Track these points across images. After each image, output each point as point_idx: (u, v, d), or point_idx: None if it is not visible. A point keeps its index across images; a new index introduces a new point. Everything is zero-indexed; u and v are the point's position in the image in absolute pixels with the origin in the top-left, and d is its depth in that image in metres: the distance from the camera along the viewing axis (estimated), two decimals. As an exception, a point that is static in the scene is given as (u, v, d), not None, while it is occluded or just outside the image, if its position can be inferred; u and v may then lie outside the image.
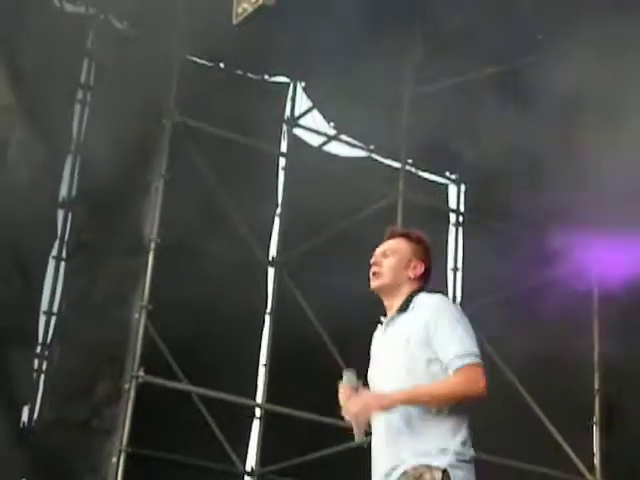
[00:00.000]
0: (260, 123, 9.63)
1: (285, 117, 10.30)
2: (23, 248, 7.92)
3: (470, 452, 3.46)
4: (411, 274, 3.65)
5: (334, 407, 8.63)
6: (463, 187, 11.16)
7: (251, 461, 9.18)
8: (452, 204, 11.07)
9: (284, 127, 10.26)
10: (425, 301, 3.58)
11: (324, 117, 10.52)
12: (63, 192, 8.80)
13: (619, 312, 8.36)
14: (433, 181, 11.14)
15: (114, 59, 8.84)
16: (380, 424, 3.49)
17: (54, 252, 8.63)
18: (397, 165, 10.40)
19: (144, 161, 8.35)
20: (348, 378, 3.60)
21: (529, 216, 9.28)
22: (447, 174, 11.19)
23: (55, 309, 8.56)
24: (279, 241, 9.89)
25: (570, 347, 8.74)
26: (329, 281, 9.61)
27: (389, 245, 3.73)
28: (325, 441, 8.92)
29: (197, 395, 8.43)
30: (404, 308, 3.61)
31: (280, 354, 9.48)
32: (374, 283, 3.68)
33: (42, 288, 8.47)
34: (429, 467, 3.36)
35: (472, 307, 10.20)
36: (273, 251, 9.88)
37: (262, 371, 9.45)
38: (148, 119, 8.31)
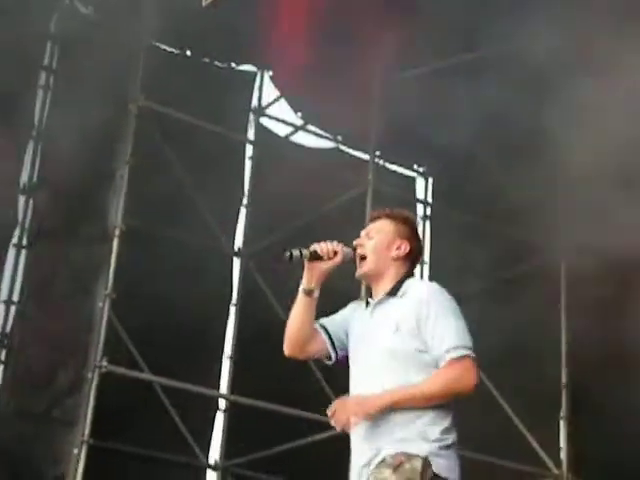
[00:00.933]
0: (227, 112, 9.51)
1: (252, 106, 10.18)
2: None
3: (452, 437, 3.35)
4: (394, 254, 3.55)
5: (299, 399, 8.59)
6: (431, 180, 11.09)
7: (214, 454, 9.08)
8: (420, 196, 11.00)
9: (251, 116, 10.14)
10: (417, 288, 3.49)
11: (291, 107, 10.42)
12: (24, 178, 8.62)
13: (588, 303, 8.30)
14: (401, 174, 11.06)
15: (78, 43, 8.64)
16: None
17: (14, 240, 8.44)
18: (365, 157, 10.34)
19: (109, 147, 8.19)
20: (348, 255, 3.58)
21: (498, 208, 9.24)
22: (415, 167, 11.13)
23: (15, 298, 8.37)
24: (245, 231, 9.78)
25: (538, 340, 8.71)
26: (295, 272, 9.50)
27: (372, 226, 3.64)
28: (289, 434, 8.85)
29: (160, 387, 8.30)
30: (394, 292, 3.50)
31: (245, 346, 9.37)
32: (359, 271, 3.60)
33: (1, 277, 8.27)
34: (408, 455, 3.25)
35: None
36: (239, 241, 9.77)
37: (227, 363, 9.33)
38: (113, 104, 8.15)
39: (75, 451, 7.08)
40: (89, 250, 7.93)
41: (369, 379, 3.42)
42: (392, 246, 3.56)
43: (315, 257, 3.63)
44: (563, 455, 8.64)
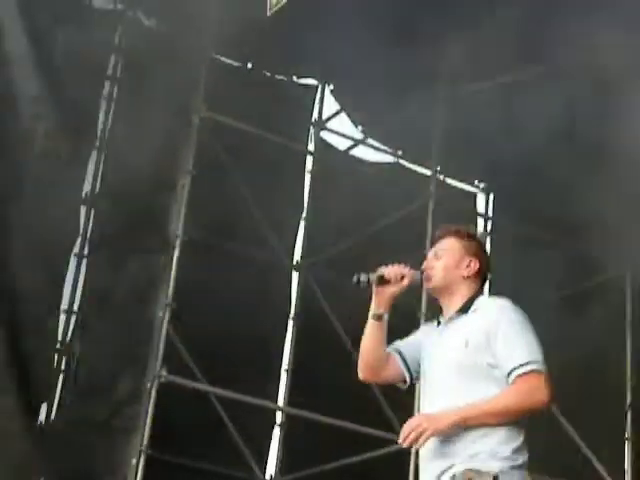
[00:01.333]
0: (287, 125, 9.50)
1: (312, 120, 10.16)
2: (47, 244, 7.77)
3: (522, 457, 3.27)
4: (465, 273, 3.52)
5: (355, 415, 8.50)
6: (492, 196, 10.97)
7: (270, 469, 9.02)
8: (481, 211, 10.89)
9: (311, 130, 10.12)
10: (489, 304, 3.45)
11: (352, 121, 10.38)
12: (86, 188, 8.67)
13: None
14: (462, 189, 10.96)
15: (141, 55, 8.69)
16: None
17: (76, 249, 8.49)
18: (425, 171, 10.26)
19: (170, 158, 8.20)
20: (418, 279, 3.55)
21: (562, 223, 9.11)
22: (476, 182, 11.01)
23: (76, 307, 8.41)
24: (304, 245, 9.74)
25: (602, 358, 8.53)
26: (355, 288, 9.43)
27: (440, 245, 3.61)
28: (346, 450, 8.76)
29: (217, 399, 8.26)
30: (465, 309, 3.47)
31: (303, 359, 9.31)
32: (427, 285, 3.57)
33: (63, 285, 8.32)
34: (479, 472, 3.18)
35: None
36: (298, 255, 9.73)
37: (284, 376, 9.28)
38: (175, 115, 8.17)
39: (133, 461, 7.06)
40: (149, 260, 7.94)
41: (440, 396, 3.39)
42: (462, 264, 3.53)
43: (382, 282, 3.60)
44: (628, 478, 8.44)
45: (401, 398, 8.77)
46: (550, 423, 8.82)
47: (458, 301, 3.49)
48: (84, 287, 8.33)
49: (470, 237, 3.62)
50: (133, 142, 8.04)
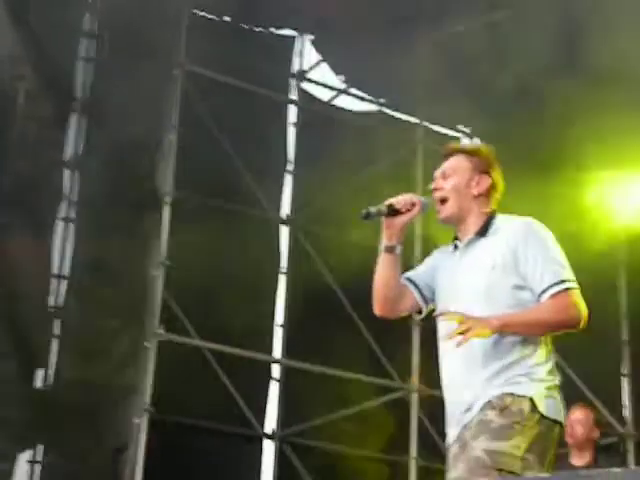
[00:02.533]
0: (268, 77, 9.36)
1: (293, 71, 10.04)
2: (32, 208, 7.64)
3: (557, 379, 3.20)
4: (475, 191, 3.33)
5: (352, 365, 8.46)
6: (476, 140, 10.90)
7: (271, 424, 9.01)
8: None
9: (293, 81, 10.00)
10: (511, 224, 3.28)
11: (333, 70, 10.26)
12: (69, 152, 8.53)
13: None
14: (446, 134, 10.88)
15: (120, 12, 8.51)
16: (458, 353, 3.19)
17: (62, 214, 8.37)
18: (409, 119, 10.19)
19: (155, 114, 8.06)
20: (426, 206, 3.40)
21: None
22: (460, 127, 10.94)
23: (65, 271, 8.32)
24: (292, 198, 9.66)
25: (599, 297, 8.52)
26: (345, 237, 9.40)
27: (448, 164, 3.40)
28: (344, 401, 8.77)
29: (215, 356, 8.23)
30: (484, 231, 3.30)
31: (295, 313, 9.28)
32: (440, 216, 3.38)
33: (52, 250, 8.21)
34: (514, 396, 3.08)
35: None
36: (286, 209, 9.65)
37: (279, 330, 9.25)
38: (157, 71, 8.02)
39: (137, 421, 7.01)
40: (140, 218, 7.83)
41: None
42: (472, 183, 3.33)
43: (393, 212, 3.42)
44: (627, 413, 8.47)
45: (396, 346, 8.82)
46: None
47: (474, 223, 3.32)
48: (75, 250, 8.23)
49: (479, 153, 3.41)
50: (116, 101, 7.90)
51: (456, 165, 3.39)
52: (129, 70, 7.79)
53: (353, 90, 10.35)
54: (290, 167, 9.73)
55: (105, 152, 8.13)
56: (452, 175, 3.38)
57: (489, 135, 10.57)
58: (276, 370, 9.10)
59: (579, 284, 3.19)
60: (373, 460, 8.83)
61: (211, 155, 8.53)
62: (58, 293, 8.17)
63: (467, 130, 10.92)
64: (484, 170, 3.37)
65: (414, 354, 8.10)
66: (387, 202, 3.43)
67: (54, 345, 7.90)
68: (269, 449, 8.98)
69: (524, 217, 3.33)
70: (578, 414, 5.72)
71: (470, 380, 3.19)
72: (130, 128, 7.73)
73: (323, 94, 10.28)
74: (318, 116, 9.85)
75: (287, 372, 8.99)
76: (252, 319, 8.92)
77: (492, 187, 3.37)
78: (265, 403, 9.06)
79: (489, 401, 3.11)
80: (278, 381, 9.05)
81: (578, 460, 5.64)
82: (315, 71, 10.21)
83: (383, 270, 3.46)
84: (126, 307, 7.58)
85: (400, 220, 3.40)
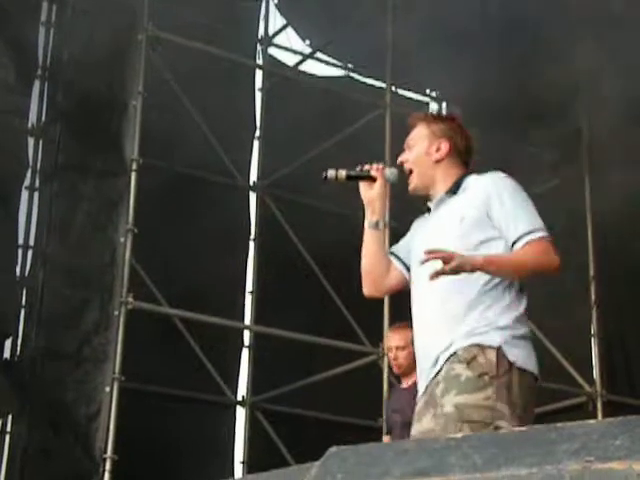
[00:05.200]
0: (234, 43, 9.26)
1: (259, 36, 9.94)
2: (-1, 178, 7.54)
3: (525, 327, 3.17)
4: (435, 157, 3.33)
5: (324, 330, 8.45)
6: (444, 104, 10.89)
7: (242, 390, 9.01)
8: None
9: (258, 47, 9.91)
10: (480, 179, 3.28)
11: (299, 35, 10.19)
12: (32, 119, 8.41)
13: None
14: (413, 99, 10.86)
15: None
16: (426, 304, 3.21)
17: (26, 182, 8.26)
18: (376, 83, 10.15)
19: (119, 79, 7.95)
20: (391, 174, 3.38)
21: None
22: (427, 91, 10.92)
23: (31, 241, 8.23)
24: (259, 164, 9.60)
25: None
26: (314, 203, 9.38)
27: (410, 136, 3.42)
28: (316, 366, 8.78)
29: (185, 324, 8.20)
30: (454, 190, 3.30)
31: (265, 280, 9.26)
32: (410, 187, 3.40)
33: (16, 221, 8.11)
34: (481, 347, 3.06)
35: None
36: (254, 175, 9.60)
37: (249, 297, 9.22)
38: (120, 35, 7.91)
39: (107, 389, 6.96)
40: (106, 184, 7.74)
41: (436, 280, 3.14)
42: (430, 150, 3.34)
43: (351, 178, 3.41)
44: (596, 373, 8.54)
45: (367, 311, 8.83)
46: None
47: (442, 186, 3.32)
48: (40, 219, 8.14)
49: (438, 119, 3.44)
50: (80, 67, 7.79)
51: (416, 135, 3.40)
52: (92, 35, 7.68)
53: (320, 55, 10.30)
54: (257, 133, 9.67)
55: (69, 119, 8.02)
56: (414, 146, 3.39)
57: (459, 99, 10.61)
58: (246, 337, 9.09)
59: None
60: (345, 425, 8.86)
61: (177, 121, 8.46)
62: (24, 263, 8.10)
63: (435, 94, 10.91)
64: (443, 135, 3.36)
65: (385, 319, 8.10)
66: (347, 169, 3.43)
67: (21, 315, 7.83)
68: (241, 416, 8.99)
69: (493, 172, 3.32)
70: (395, 339, 5.20)
71: (436, 331, 3.17)
72: (94, 94, 7.63)
73: (290, 59, 10.22)
74: (285, 81, 9.78)
75: (257, 338, 8.98)
76: (221, 286, 8.89)
77: (454, 150, 3.36)
78: (236, 370, 9.06)
79: (455, 353, 3.09)
80: (248, 347, 9.03)
81: (405, 382, 5.16)
82: (281, 36, 10.15)
83: (369, 248, 3.45)
84: (94, 275, 7.51)
85: (375, 193, 3.39)
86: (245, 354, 9.05)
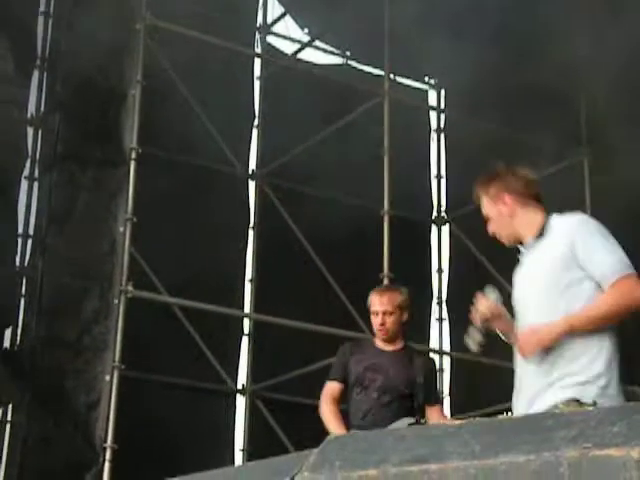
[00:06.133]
0: (233, 32, 9.25)
1: (257, 25, 9.93)
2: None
3: (612, 373, 3.29)
4: (506, 213, 3.53)
5: (323, 318, 8.45)
6: (443, 92, 10.88)
7: (242, 378, 9.02)
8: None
9: (257, 35, 9.90)
10: (565, 221, 3.46)
11: (298, 23, 10.17)
12: (31, 110, 8.41)
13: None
14: (412, 86, 10.85)
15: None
16: (527, 362, 3.38)
17: (26, 172, 8.27)
18: (374, 71, 10.14)
19: (118, 68, 7.95)
20: (491, 294, 3.56)
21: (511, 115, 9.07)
22: (426, 79, 10.91)
23: (31, 230, 8.24)
24: (258, 153, 9.60)
25: None
26: (313, 190, 9.39)
27: (484, 209, 3.62)
28: (315, 355, 8.78)
29: (185, 312, 8.21)
30: (540, 234, 3.48)
31: (265, 268, 9.26)
32: (507, 244, 3.61)
33: (17, 209, 8.12)
34: (580, 402, 3.22)
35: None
36: (253, 164, 9.59)
37: (248, 286, 9.23)
38: (119, 25, 7.89)
39: (107, 378, 6.98)
40: (105, 174, 7.74)
41: (529, 315, 3.40)
42: (500, 210, 3.54)
43: (487, 325, 3.57)
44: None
45: (366, 298, 8.84)
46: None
47: (528, 232, 3.51)
48: (39, 209, 8.14)
49: (487, 180, 3.60)
50: (78, 56, 7.78)
51: (485, 205, 3.61)
52: (91, 25, 7.66)
53: (318, 43, 10.28)
54: (256, 121, 9.66)
55: (68, 108, 8.02)
56: (490, 215, 3.60)
57: (457, 86, 10.60)
58: (246, 325, 9.10)
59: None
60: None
61: (177, 110, 8.45)
62: (24, 252, 8.11)
63: (434, 82, 10.90)
64: (499, 191, 3.55)
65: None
66: (476, 325, 3.57)
67: (21, 304, 7.84)
68: (241, 404, 9.01)
69: (575, 214, 3.50)
70: (384, 303, 4.85)
71: (537, 384, 3.33)
72: (93, 84, 7.62)
73: (288, 48, 10.21)
74: (283, 70, 9.77)
75: (257, 327, 8.99)
76: (221, 274, 8.90)
77: (516, 196, 3.53)
78: (236, 358, 9.07)
79: (555, 405, 3.23)
80: (248, 336, 9.05)
81: (388, 346, 4.88)
82: (279, 24, 10.14)
83: None
84: (93, 265, 7.52)
85: (501, 326, 3.55)
86: (245, 342, 9.07)
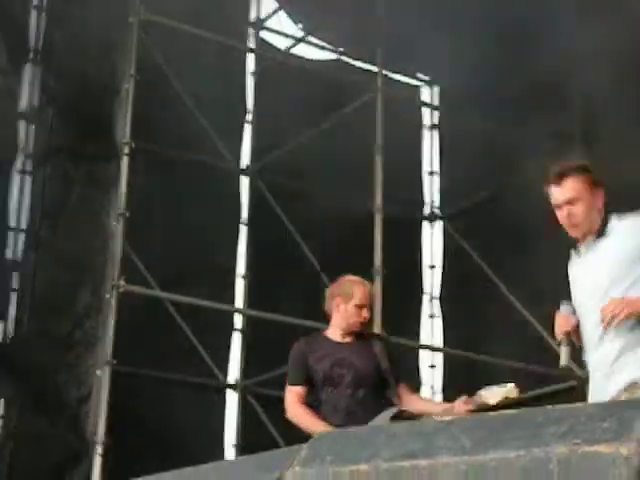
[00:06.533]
0: (227, 26, 9.24)
1: (251, 20, 9.92)
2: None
3: None
4: (598, 207, 3.62)
5: (316, 313, 8.47)
6: (436, 89, 10.89)
7: (234, 374, 9.03)
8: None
9: (250, 30, 9.89)
10: (626, 219, 3.59)
11: (291, 18, 10.16)
12: (24, 104, 8.38)
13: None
14: (406, 82, 10.85)
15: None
16: (606, 341, 3.48)
17: (18, 166, 8.25)
18: (367, 67, 10.13)
19: (111, 62, 7.94)
20: (565, 308, 3.66)
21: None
22: (420, 75, 10.91)
23: (23, 225, 8.22)
24: (252, 148, 9.59)
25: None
26: (306, 186, 9.39)
27: (568, 193, 3.61)
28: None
29: (176, 309, 8.21)
30: (602, 233, 3.60)
31: (257, 264, 9.26)
32: (574, 234, 3.65)
33: (8, 204, 8.10)
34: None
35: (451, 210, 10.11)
36: (246, 159, 9.59)
37: (240, 281, 9.23)
38: (112, 18, 7.88)
39: (98, 372, 6.98)
40: (98, 168, 7.73)
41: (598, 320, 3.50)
42: (595, 202, 3.61)
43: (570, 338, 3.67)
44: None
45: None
46: (509, 310, 8.94)
47: (593, 230, 3.60)
48: (32, 203, 8.13)
49: (586, 168, 3.65)
50: (71, 50, 7.76)
51: (576, 191, 3.60)
52: (83, 19, 7.65)
53: (312, 38, 10.28)
54: (249, 117, 9.65)
55: (61, 102, 8.00)
56: (578, 200, 3.60)
57: (451, 83, 10.61)
58: (238, 320, 9.10)
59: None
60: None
61: (170, 105, 8.44)
62: (16, 246, 8.09)
63: (427, 78, 10.90)
64: (597, 184, 3.65)
65: (377, 303, 8.12)
66: (560, 339, 3.68)
67: (13, 299, 7.83)
68: (232, 399, 9.01)
69: (635, 214, 3.61)
70: (366, 296, 4.72)
71: (619, 361, 3.46)
72: (86, 78, 7.61)
73: (281, 43, 10.19)
74: (277, 65, 9.76)
75: (250, 322, 8.99)
76: (214, 270, 8.90)
77: (604, 197, 3.67)
78: (228, 353, 9.07)
79: (636, 382, 3.39)
80: (241, 331, 9.05)
81: (345, 338, 4.74)
82: (273, 19, 10.12)
83: None
84: (86, 259, 7.51)
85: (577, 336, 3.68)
86: (237, 338, 9.07)
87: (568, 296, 8.68)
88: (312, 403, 4.46)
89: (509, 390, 3.67)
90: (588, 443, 1.57)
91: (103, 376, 6.91)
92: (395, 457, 1.85)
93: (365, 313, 4.73)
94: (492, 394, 3.63)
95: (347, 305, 4.69)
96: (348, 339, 4.71)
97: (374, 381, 4.60)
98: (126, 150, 7.46)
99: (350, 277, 4.87)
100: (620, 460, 1.51)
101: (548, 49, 8.17)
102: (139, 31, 7.82)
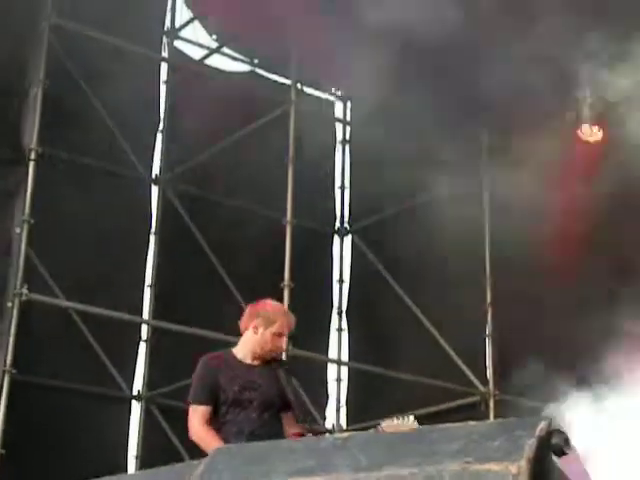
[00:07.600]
0: (140, 35, 9.17)
1: (165, 29, 9.86)
2: None
3: None
4: None
5: (223, 324, 8.44)
6: (349, 103, 10.96)
7: (138, 385, 8.92)
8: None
9: (164, 39, 9.83)
10: None
11: (206, 29, 10.13)
12: None
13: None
14: (319, 97, 10.90)
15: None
16: None
17: None
18: (282, 80, 10.15)
19: (20, 66, 7.80)
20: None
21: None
22: (333, 90, 10.97)
23: None
24: (162, 158, 9.52)
25: (464, 261, 8.69)
26: (216, 197, 9.36)
27: None
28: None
29: (82, 318, 8.09)
30: None
31: (165, 274, 9.19)
32: None
33: None
34: None
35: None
36: (157, 168, 9.51)
37: (148, 291, 9.14)
38: (22, 23, 7.75)
39: (-3, 382, 6.84)
40: (3, 173, 7.58)
41: None
42: None
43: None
44: (489, 373, 8.69)
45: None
46: (416, 325, 9.03)
47: None
48: None
49: None
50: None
51: None
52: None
53: (226, 50, 10.26)
54: (161, 126, 9.59)
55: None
56: None
57: (363, 99, 10.69)
58: (144, 331, 9.01)
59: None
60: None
61: (81, 112, 8.34)
62: None
63: (340, 93, 10.96)
64: None
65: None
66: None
67: None
68: (136, 410, 8.91)
69: None
70: (290, 324, 4.57)
71: None
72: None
73: (196, 53, 10.16)
74: (191, 75, 9.72)
75: (156, 333, 8.91)
76: (121, 279, 8.80)
77: None
78: (134, 364, 8.97)
79: None
80: (146, 342, 8.96)
81: (255, 361, 4.55)
82: (187, 29, 10.08)
83: None
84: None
85: None
86: (142, 348, 8.98)
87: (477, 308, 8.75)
88: (213, 424, 4.40)
89: (410, 424, 3.63)
90: (479, 461, 1.60)
91: (2, 385, 6.76)
92: (292, 473, 1.86)
93: (281, 343, 4.66)
94: (393, 426, 3.60)
95: (266, 331, 4.60)
96: (256, 362, 4.68)
97: (278, 404, 4.60)
98: (33, 156, 7.34)
99: (276, 304, 4.80)
100: (508, 477, 1.54)
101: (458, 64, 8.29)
102: (50, 35, 7.70)
